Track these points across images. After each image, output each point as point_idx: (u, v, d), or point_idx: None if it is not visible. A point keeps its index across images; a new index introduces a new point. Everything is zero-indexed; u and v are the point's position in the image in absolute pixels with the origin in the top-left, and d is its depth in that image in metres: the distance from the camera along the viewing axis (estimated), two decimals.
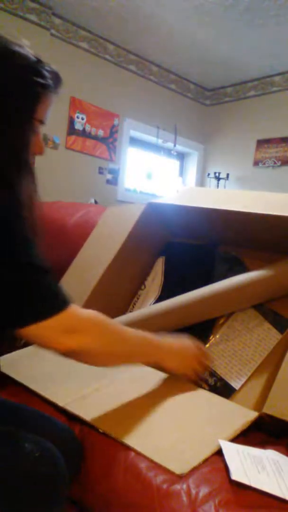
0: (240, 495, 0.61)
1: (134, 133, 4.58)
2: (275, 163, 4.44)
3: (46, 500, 0.60)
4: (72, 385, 0.90)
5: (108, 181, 4.32)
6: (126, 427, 0.77)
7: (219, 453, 0.70)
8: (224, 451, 0.68)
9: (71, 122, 3.99)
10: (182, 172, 5.30)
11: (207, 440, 0.73)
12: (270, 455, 0.70)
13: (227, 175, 4.71)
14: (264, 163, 4.52)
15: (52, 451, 0.63)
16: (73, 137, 4.02)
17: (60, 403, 0.84)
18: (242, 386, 0.96)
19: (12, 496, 0.58)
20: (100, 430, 0.76)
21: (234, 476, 0.63)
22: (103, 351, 0.73)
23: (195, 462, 0.68)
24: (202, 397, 0.89)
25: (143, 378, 0.93)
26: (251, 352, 1.01)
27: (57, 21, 3.75)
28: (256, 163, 4.60)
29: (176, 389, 0.90)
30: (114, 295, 1.27)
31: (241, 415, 0.81)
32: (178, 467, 0.67)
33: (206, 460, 0.68)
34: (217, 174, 4.73)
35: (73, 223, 1.51)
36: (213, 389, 0.97)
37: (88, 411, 0.80)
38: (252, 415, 0.80)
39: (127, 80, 4.38)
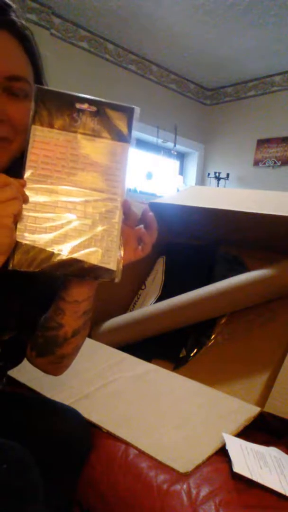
0: (240, 495, 0.62)
1: (134, 133, 4.57)
2: (275, 163, 4.43)
3: None
4: (75, 385, 0.90)
5: None
6: (129, 426, 0.77)
7: (220, 453, 0.70)
8: (228, 445, 0.69)
9: None
10: (182, 172, 5.30)
11: (210, 437, 0.73)
12: (272, 452, 0.70)
13: (227, 175, 4.71)
14: (264, 163, 4.51)
15: (21, 462, 0.57)
16: None
17: (64, 403, 0.84)
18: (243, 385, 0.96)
19: None
20: (103, 430, 0.77)
21: (236, 469, 0.63)
22: None
23: (199, 460, 0.68)
24: (205, 394, 0.89)
25: (145, 376, 0.93)
26: None
27: (57, 20, 3.74)
28: (256, 163, 4.60)
29: (179, 386, 0.90)
30: (115, 294, 1.27)
31: (244, 410, 0.81)
32: (182, 466, 0.67)
33: (207, 460, 0.68)
34: (217, 174, 4.73)
35: None
36: None
37: (91, 411, 0.81)
38: (255, 410, 0.81)
39: (127, 80, 4.37)
